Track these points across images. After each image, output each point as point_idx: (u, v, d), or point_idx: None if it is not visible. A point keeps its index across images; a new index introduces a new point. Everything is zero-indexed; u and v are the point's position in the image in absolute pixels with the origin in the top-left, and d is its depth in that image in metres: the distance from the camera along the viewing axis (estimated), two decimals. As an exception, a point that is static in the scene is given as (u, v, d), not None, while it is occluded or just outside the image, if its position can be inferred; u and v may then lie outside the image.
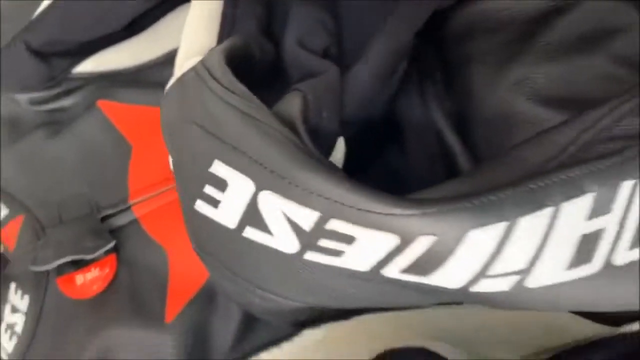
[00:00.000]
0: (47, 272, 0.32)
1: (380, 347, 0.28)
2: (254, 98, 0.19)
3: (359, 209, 0.17)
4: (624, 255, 0.18)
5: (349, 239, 0.18)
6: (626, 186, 0.17)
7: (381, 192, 0.17)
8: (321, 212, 0.17)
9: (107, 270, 0.32)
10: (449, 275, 0.17)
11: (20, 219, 0.34)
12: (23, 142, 0.36)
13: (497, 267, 0.17)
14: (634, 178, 0.17)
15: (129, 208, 0.33)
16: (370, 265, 0.18)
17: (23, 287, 0.32)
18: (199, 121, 0.21)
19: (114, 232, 0.32)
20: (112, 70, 0.37)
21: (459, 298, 0.20)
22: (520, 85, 0.25)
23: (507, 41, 0.26)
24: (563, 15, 0.25)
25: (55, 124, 0.37)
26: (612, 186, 0.17)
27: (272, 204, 0.19)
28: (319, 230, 0.18)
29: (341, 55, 0.26)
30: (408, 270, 0.18)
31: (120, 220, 0.33)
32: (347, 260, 0.19)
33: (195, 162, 0.21)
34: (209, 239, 0.23)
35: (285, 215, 0.19)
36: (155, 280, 0.31)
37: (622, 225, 0.18)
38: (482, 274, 0.17)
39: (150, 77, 0.37)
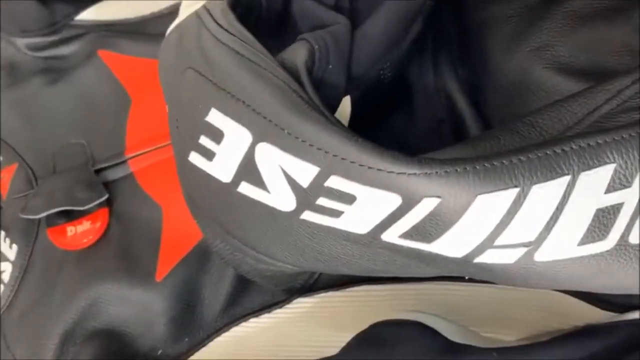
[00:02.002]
0: (38, 222, 0.31)
1: (371, 320, 0.27)
2: (255, 42, 0.18)
3: (361, 165, 0.16)
4: (641, 234, 0.17)
5: (349, 198, 0.17)
6: (649, 159, 0.16)
7: (386, 149, 0.16)
8: (321, 167, 0.16)
9: (98, 224, 0.31)
10: (453, 243, 0.16)
11: (13, 167, 0.34)
12: (20, 88, 0.35)
13: (505, 237, 0.16)
14: (659, 151, 0.16)
15: (125, 162, 0.32)
16: (370, 227, 0.17)
17: (12, 236, 0.31)
18: (195, 65, 0.20)
19: (108, 185, 0.31)
20: (115, 20, 0.36)
21: (459, 269, 0.19)
22: (539, 53, 0.23)
23: (528, 6, 0.24)
24: (590, -19, 0.23)
25: (53, 71, 0.35)
26: (634, 158, 0.16)
27: (269, 157, 0.18)
28: (318, 187, 0.17)
29: (353, 14, 0.25)
30: (409, 234, 0.17)
31: (115, 174, 0.32)
32: (346, 221, 0.17)
33: (191, 111, 0.20)
34: (202, 193, 0.22)
35: (282, 170, 0.17)
36: (148, 236, 0.30)
37: (641, 201, 0.16)
38: (488, 243, 0.16)
39: (152, 29, 0.36)
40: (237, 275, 0.30)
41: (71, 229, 0.31)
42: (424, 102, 0.25)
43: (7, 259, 0.31)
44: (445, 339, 0.24)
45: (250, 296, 0.30)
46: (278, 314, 0.30)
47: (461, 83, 0.25)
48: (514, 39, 0.24)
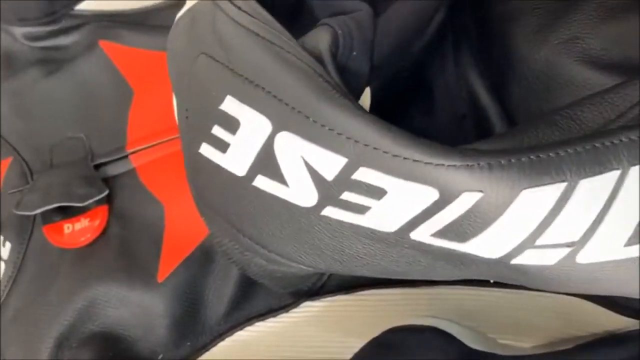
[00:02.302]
0: (33, 219, 0.30)
1: (381, 324, 0.26)
2: (276, 23, 0.17)
3: (395, 156, 0.14)
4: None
5: (378, 192, 0.15)
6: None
7: (423, 138, 0.14)
8: (349, 158, 0.15)
9: (97, 221, 0.29)
10: (490, 243, 0.15)
11: (7, 162, 0.32)
12: (15, 79, 0.34)
13: (548, 236, 0.15)
14: None
15: (126, 157, 0.30)
16: (399, 225, 0.16)
17: (6, 234, 0.30)
18: (208, 51, 0.18)
19: (108, 181, 0.30)
20: (116, 11, 0.35)
21: (489, 271, 0.17)
22: (568, 46, 0.22)
23: (556, -3, 0.23)
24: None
25: (51, 62, 0.34)
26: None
27: (290, 148, 0.16)
28: (344, 180, 0.16)
29: (372, 1, 0.24)
30: (442, 233, 0.15)
31: (116, 169, 0.30)
32: (373, 218, 0.16)
33: (204, 99, 0.19)
34: (213, 188, 0.21)
35: (305, 161, 0.16)
36: (149, 235, 0.29)
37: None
38: (529, 243, 0.15)
39: (155, 20, 0.34)
40: (242, 277, 0.29)
41: (68, 227, 0.29)
42: (444, 97, 0.24)
43: (0, 257, 0.29)
44: (464, 345, 0.23)
45: (256, 299, 0.29)
46: (284, 318, 0.28)
47: (483, 77, 0.24)
48: (540, 32, 0.23)
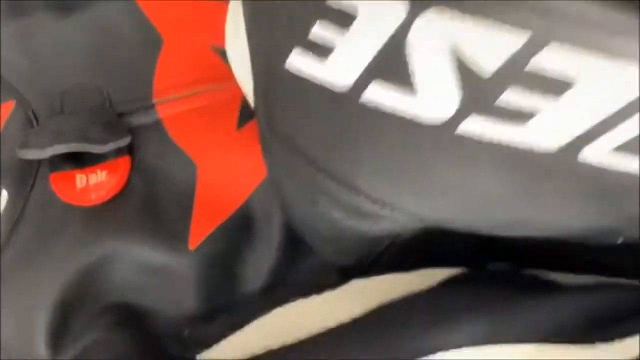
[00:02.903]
0: (37, 167, 0.25)
1: None
2: None
3: (603, 25, 0.11)
4: None
5: (561, 85, 0.12)
6: None
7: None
8: (535, 31, 0.11)
9: (116, 176, 0.25)
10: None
11: (9, 105, 0.28)
12: (25, 18, 0.29)
13: None
14: None
15: (152, 106, 0.26)
16: (575, 134, 0.12)
17: (3, 182, 0.25)
18: None
19: (131, 132, 0.26)
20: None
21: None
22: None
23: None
24: None
25: (68, 2, 0.30)
26: None
27: (435, 35, 0.13)
28: (513, 71, 0.12)
29: None
30: (633, 144, 0.12)
31: (140, 119, 0.26)
32: (536, 128, 0.13)
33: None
34: (295, 114, 0.17)
35: (454, 51, 0.13)
36: (179, 195, 0.25)
37: None
38: None
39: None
40: (284, 248, 0.25)
41: (81, 178, 0.25)
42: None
43: (-5, 209, 0.25)
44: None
45: (297, 274, 0.25)
46: (329, 295, 0.25)
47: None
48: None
